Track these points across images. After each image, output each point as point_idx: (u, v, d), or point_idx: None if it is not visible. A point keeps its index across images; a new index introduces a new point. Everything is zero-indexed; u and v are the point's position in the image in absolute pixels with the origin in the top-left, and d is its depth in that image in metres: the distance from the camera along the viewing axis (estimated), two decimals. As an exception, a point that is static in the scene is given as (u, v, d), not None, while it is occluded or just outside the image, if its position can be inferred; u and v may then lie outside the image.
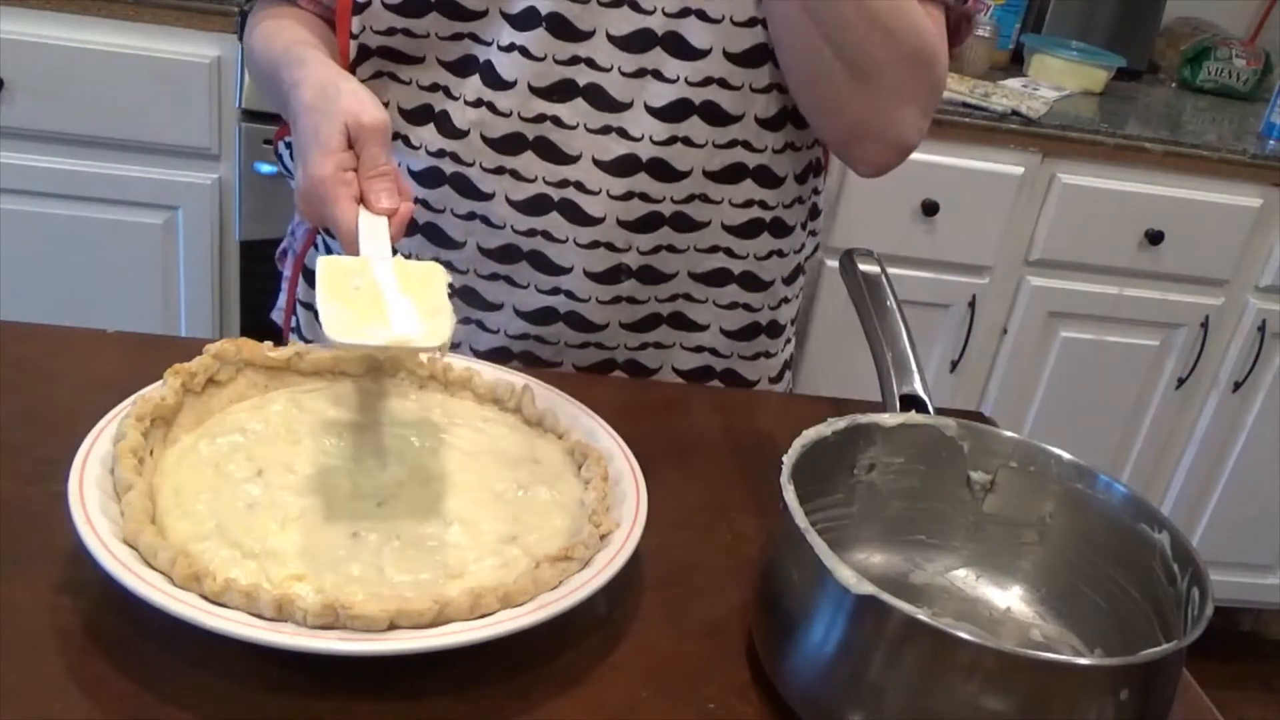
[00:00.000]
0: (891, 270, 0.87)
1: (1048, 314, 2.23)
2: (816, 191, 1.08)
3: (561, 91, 0.92)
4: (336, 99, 0.81)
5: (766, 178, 1.00)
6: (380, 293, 0.71)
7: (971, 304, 2.18)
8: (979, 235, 2.14)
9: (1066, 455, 0.73)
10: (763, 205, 1.02)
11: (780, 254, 1.06)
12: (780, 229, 1.05)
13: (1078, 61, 2.38)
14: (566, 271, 0.98)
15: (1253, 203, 2.19)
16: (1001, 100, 2.11)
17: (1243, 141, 2.21)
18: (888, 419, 0.74)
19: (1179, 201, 2.16)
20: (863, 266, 0.86)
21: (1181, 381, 2.32)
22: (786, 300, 1.11)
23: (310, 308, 1.13)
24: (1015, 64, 2.51)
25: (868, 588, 0.57)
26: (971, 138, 2.06)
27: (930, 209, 2.08)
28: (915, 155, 2.18)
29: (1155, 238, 2.16)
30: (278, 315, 1.17)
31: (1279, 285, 2.26)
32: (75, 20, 1.77)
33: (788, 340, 1.16)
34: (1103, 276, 2.22)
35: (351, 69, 0.93)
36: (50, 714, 0.57)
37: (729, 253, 1.03)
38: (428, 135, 0.95)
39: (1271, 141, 2.25)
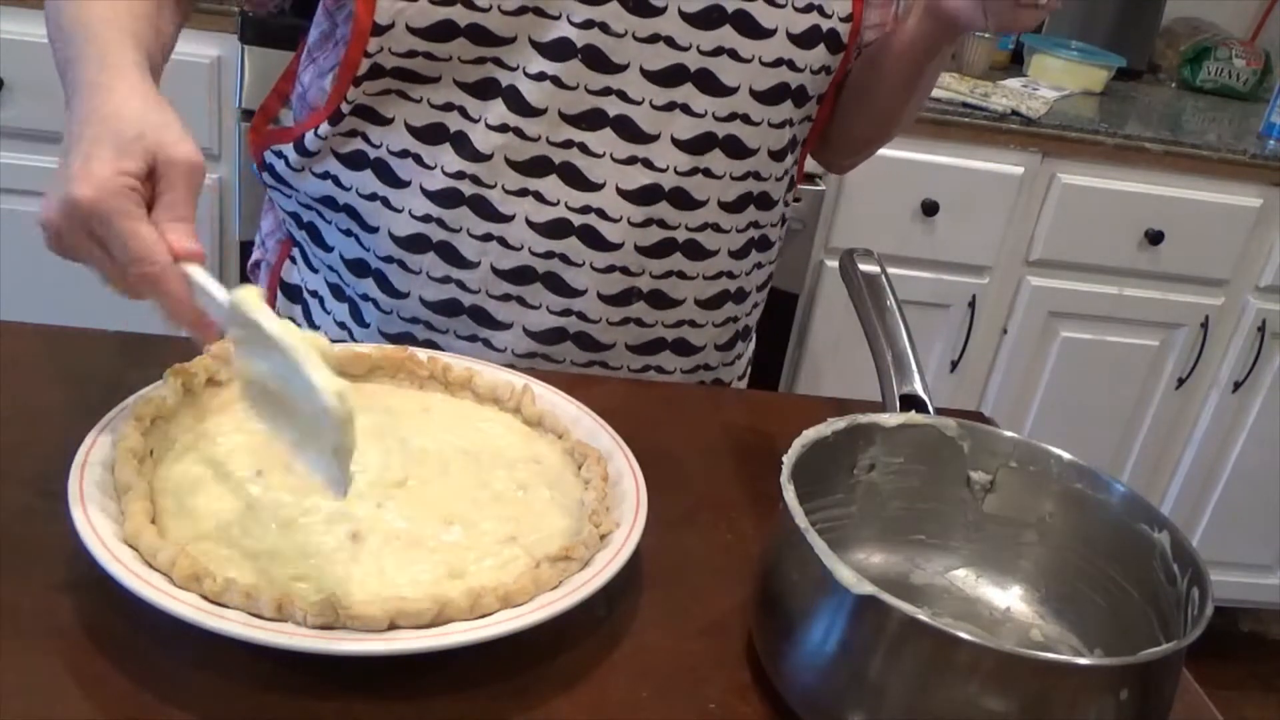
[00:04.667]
0: (891, 270, 0.87)
1: (1048, 314, 2.23)
2: (787, 204, 1.10)
3: (590, 120, 0.93)
4: (145, 119, 0.68)
5: (765, 202, 1.04)
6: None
7: (971, 304, 2.18)
8: (979, 235, 2.14)
9: (1066, 455, 0.73)
10: (755, 226, 1.04)
11: (759, 265, 1.09)
12: (765, 244, 1.08)
13: (1078, 61, 2.38)
14: (580, 294, 0.98)
15: (1253, 203, 2.19)
16: (1001, 100, 2.11)
17: (1243, 141, 2.21)
18: (888, 419, 0.74)
19: (1179, 201, 2.16)
20: (863, 266, 0.86)
21: (1181, 381, 2.32)
22: (757, 305, 1.14)
23: (291, 322, 1.10)
24: (1015, 64, 2.51)
25: (868, 588, 0.57)
26: (971, 138, 2.06)
27: (930, 209, 2.08)
28: (915, 155, 2.18)
29: (1155, 238, 2.16)
30: None
31: (1279, 285, 2.26)
32: (75, 20, 1.77)
33: (751, 339, 1.19)
34: (1103, 276, 2.22)
35: (357, 84, 0.91)
36: (50, 714, 0.57)
37: (729, 275, 1.05)
38: (444, 156, 0.94)
39: (1271, 141, 2.25)
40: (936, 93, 2.08)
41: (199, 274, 0.64)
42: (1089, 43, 2.48)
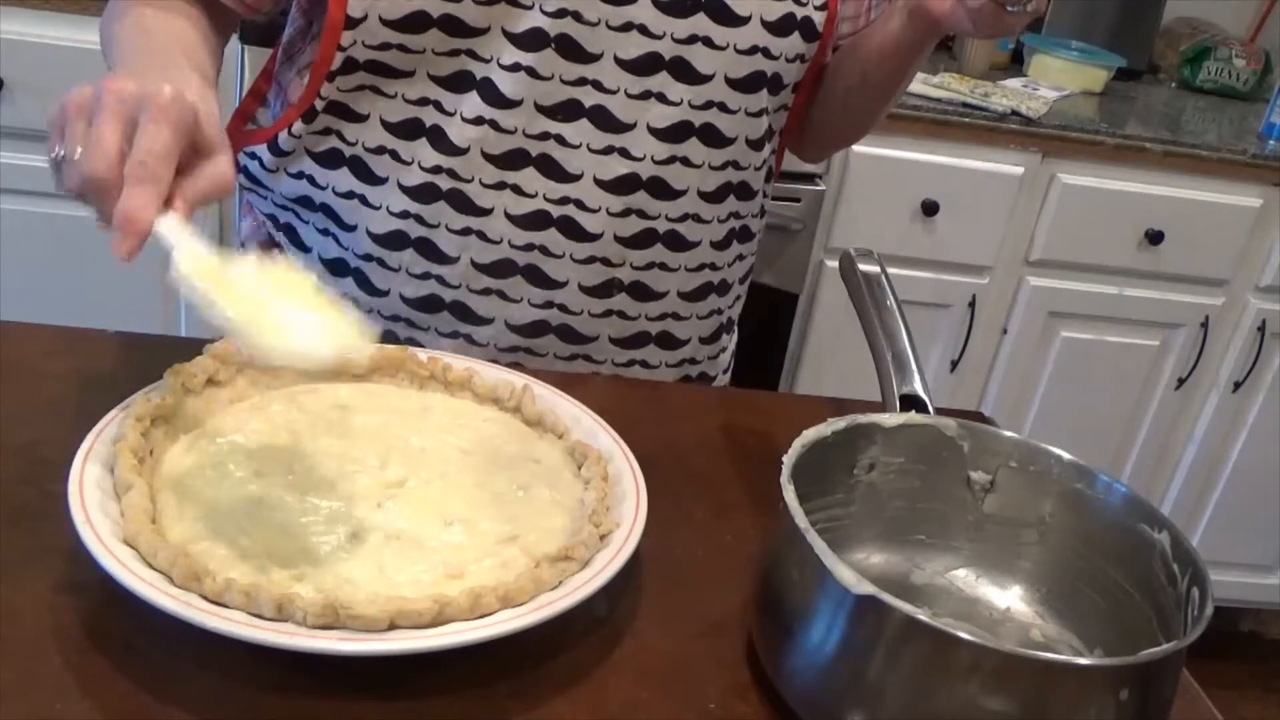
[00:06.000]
0: (891, 270, 0.87)
1: (1048, 314, 2.23)
2: (766, 194, 1.11)
3: (567, 111, 0.93)
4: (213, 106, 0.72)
5: (745, 192, 1.04)
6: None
7: (971, 304, 2.18)
8: (979, 235, 2.14)
9: (1066, 455, 0.73)
10: (736, 216, 1.05)
11: (741, 258, 1.09)
12: (746, 235, 1.08)
13: (1078, 61, 2.38)
14: (561, 286, 0.98)
15: (1253, 203, 2.19)
16: (1001, 100, 2.11)
17: (1243, 141, 2.21)
18: (888, 419, 0.74)
19: (1179, 201, 2.16)
20: (863, 266, 0.86)
21: (1181, 381, 2.32)
22: (739, 297, 1.15)
23: None
24: (1015, 64, 2.51)
25: (868, 588, 0.57)
26: (971, 138, 2.06)
27: (930, 209, 2.08)
28: (915, 155, 2.18)
29: (1155, 238, 2.16)
30: None
31: (1279, 285, 2.26)
32: (75, 20, 1.77)
33: (735, 332, 1.19)
34: (1103, 276, 2.22)
35: (331, 79, 0.92)
36: (50, 714, 0.57)
37: (712, 267, 1.05)
38: (421, 151, 0.94)
39: (1271, 141, 2.25)
40: (936, 93, 2.09)
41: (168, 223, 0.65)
42: (1089, 43, 2.48)
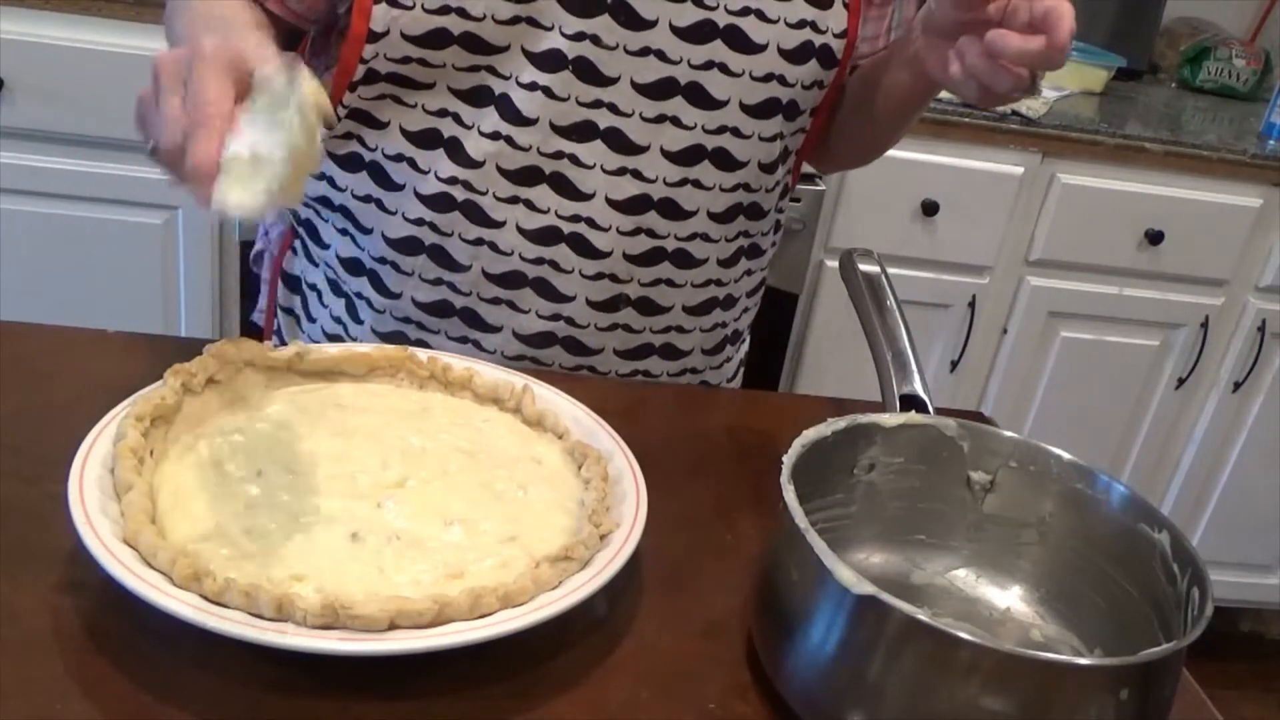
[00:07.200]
0: (891, 270, 0.87)
1: (1048, 314, 2.23)
2: (781, 211, 1.11)
3: (581, 132, 0.93)
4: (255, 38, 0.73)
5: (755, 212, 1.04)
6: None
7: (971, 304, 2.18)
8: (979, 235, 2.14)
9: (1066, 455, 0.73)
10: (745, 235, 1.05)
11: (750, 273, 1.10)
12: (755, 252, 1.09)
13: (1078, 61, 2.38)
14: (569, 300, 0.99)
15: (1253, 203, 2.19)
16: (1001, 100, 2.11)
17: (1243, 141, 2.21)
18: (888, 419, 0.74)
19: (1179, 201, 2.16)
20: (863, 266, 0.86)
21: (1181, 381, 2.32)
22: (747, 310, 1.15)
23: (291, 312, 1.13)
24: (1015, 64, 2.51)
25: (868, 588, 0.57)
26: (971, 138, 2.06)
27: (930, 209, 2.08)
28: (915, 155, 2.18)
29: (1155, 238, 2.16)
30: (259, 317, 1.18)
31: (1279, 285, 2.26)
32: (75, 20, 1.77)
33: (743, 341, 1.19)
34: (1103, 276, 2.22)
35: (353, 89, 0.93)
36: (50, 714, 0.57)
37: (718, 283, 1.05)
38: (438, 161, 0.95)
39: (1271, 141, 2.25)
40: (936, 93, 2.09)
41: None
42: (1089, 43, 2.48)
